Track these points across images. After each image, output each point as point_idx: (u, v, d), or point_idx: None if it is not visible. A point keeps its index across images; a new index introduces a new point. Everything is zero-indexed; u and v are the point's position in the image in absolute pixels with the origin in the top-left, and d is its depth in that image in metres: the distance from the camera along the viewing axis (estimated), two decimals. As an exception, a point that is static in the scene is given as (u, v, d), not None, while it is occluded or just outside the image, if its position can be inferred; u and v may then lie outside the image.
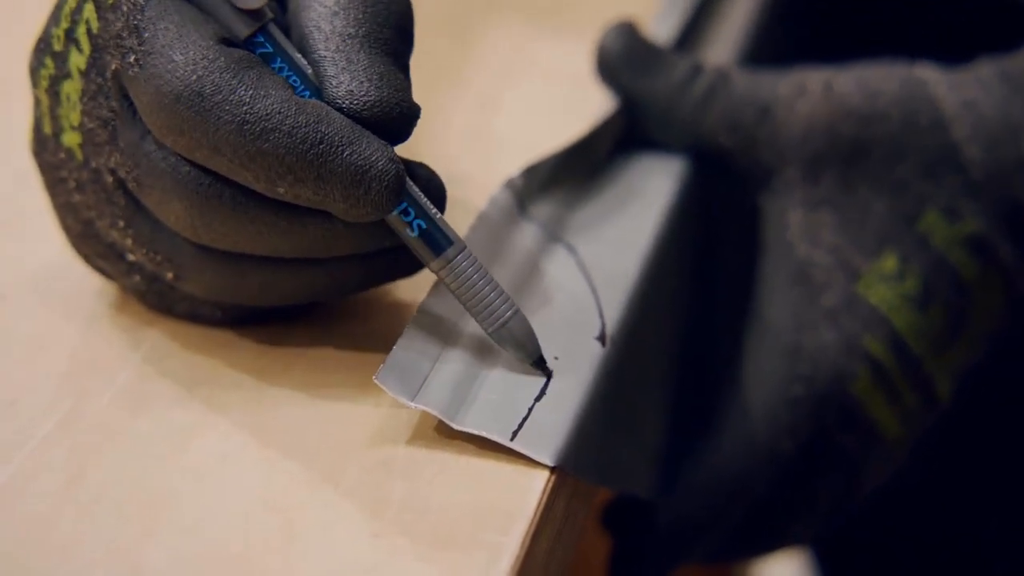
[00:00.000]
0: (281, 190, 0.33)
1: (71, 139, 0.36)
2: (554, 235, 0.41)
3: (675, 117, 0.45)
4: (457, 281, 0.35)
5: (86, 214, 0.37)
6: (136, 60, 0.34)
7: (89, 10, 0.35)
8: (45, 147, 0.37)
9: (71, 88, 0.35)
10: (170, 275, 0.36)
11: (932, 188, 0.43)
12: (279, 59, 0.34)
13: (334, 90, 0.34)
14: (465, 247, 0.35)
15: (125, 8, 0.34)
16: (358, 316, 0.39)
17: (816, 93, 0.44)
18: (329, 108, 0.34)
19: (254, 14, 0.34)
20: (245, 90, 0.33)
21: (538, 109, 0.50)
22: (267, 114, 0.33)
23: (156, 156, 0.34)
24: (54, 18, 0.36)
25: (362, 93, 0.34)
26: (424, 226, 0.35)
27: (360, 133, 0.33)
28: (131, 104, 0.35)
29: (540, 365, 0.36)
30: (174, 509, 0.33)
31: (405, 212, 0.34)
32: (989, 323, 0.44)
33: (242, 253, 0.35)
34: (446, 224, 0.35)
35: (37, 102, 0.37)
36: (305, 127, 0.33)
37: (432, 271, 0.35)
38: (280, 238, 0.34)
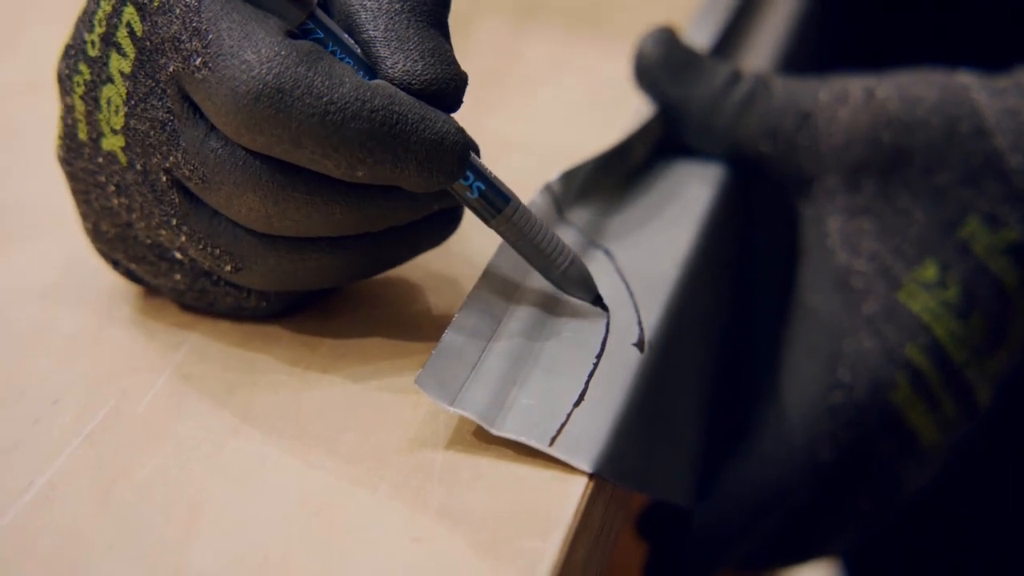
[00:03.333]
0: (360, 173, 0.34)
1: (113, 143, 0.36)
2: (592, 240, 0.41)
3: (714, 124, 0.45)
4: (517, 235, 0.36)
5: (126, 217, 0.37)
6: (204, 62, 0.34)
7: (130, 13, 0.35)
8: (80, 153, 0.37)
9: (112, 92, 0.35)
10: (228, 268, 0.36)
11: (973, 196, 0.43)
12: (331, 44, 0.35)
13: (390, 70, 0.34)
14: (520, 203, 0.36)
15: (178, 10, 0.34)
16: (396, 305, 0.39)
17: (857, 100, 0.44)
18: (394, 87, 0.34)
19: (301, 2, 0.34)
20: (322, 81, 0.33)
21: (577, 114, 0.50)
22: (346, 103, 0.33)
23: (224, 152, 0.34)
24: (86, 23, 0.36)
25: (419, 72, 0.34)
26: (483, 187, 0.36)
27: (427, 108, 0.34)
28: (191, 104, 0.35)
29: (599, 303, 0.38)
30: (215, 511, 0.33)
31: (464, 176, 0.36)
32: (1030, 332, 0.44)
33: (306, 237, 0.35)
34: (500, 183, 0.36)
35: (70, 108, 0.37)
36: (382, 110, 0.33)
37: (492, 228, 0.36)
38: (350, 217, 0.35)
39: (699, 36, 0.50)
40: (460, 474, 0.33)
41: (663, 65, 0.45)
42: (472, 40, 0.53)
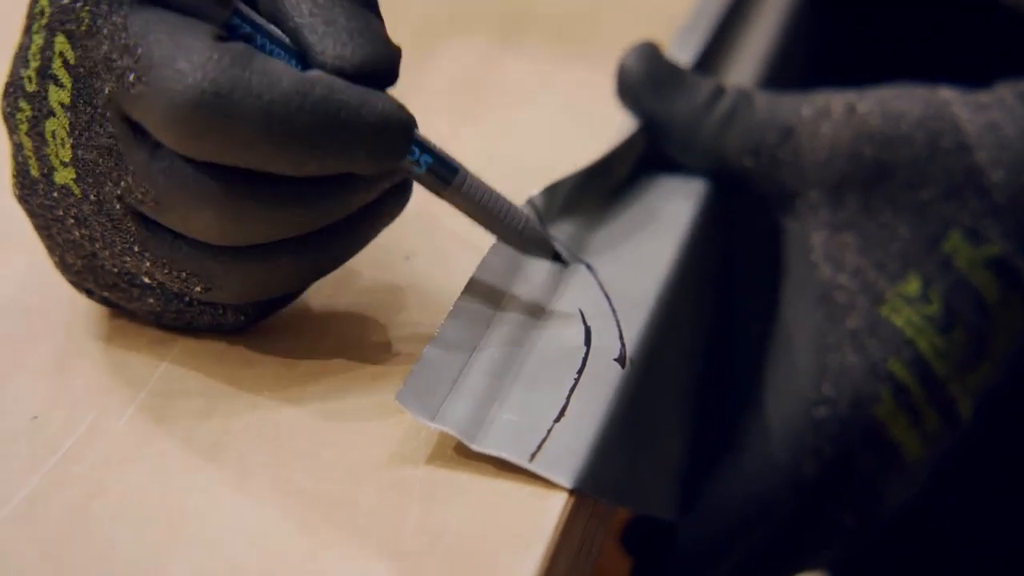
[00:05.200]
0: (311, 167, 0.34)
1: (65, 176, 0.36)
2: (574, 255, 0.41)
3: (696, 139, 0.45)
4: (469, 203, 0.37)
5: (89, 247, 0.37)
6: (137, 77, 0.33)
7: (61, 43, 0.34)
8: (35, 190, 0.36)
9: (55, 125, 0.35)
10: (198, 288, 0.36)
11: (955, 210, 0.43)
12: (259, 36, 0.34)
13: (320, 56, 0.34)
14: (468, 172, 0.37)
15: (106, 31, 0.34)
16: (376, 322, 0.39)
17: (839, 115, 0.44)
18: (329, 76, 0.34)
19: (223, 0, 0.34)
20: (259, 80, 0.33)
21: (560, 129, 0.50)
22: (287, 98, 0.33)
23: (171, 171, 0.34)
24: (20, 60, 0.36)
25: (349, 55, 0.34)
26: (430, 160, 0.36)
27: (365, 91, 0.34)
28: (131, 125, 0.34)
29: (558, 259, 0.39)
30: (193, 527, 0.33)
31: (411, 151, 0.36)
32: (1012, 345, 0.44)
33: (268, 243, 0.35)
34: (446, 153, 0.36)
35: (19, 147, 0.36)
36: (323, 100, 0.33)
37: (445, 199, 0.37)
38: (307, 214, 0.35)
39: (683, 51, 0.51)
40: (440, 490, 0.33)
41: (646, 80, 0.45)
42: (456, 54, 0.53)
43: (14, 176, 0.37)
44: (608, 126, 0.47)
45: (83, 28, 0.34)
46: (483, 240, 0.39)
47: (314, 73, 0.34)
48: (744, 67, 0.53)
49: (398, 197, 0.37)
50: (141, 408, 0.36)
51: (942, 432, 0.44)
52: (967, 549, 0.60)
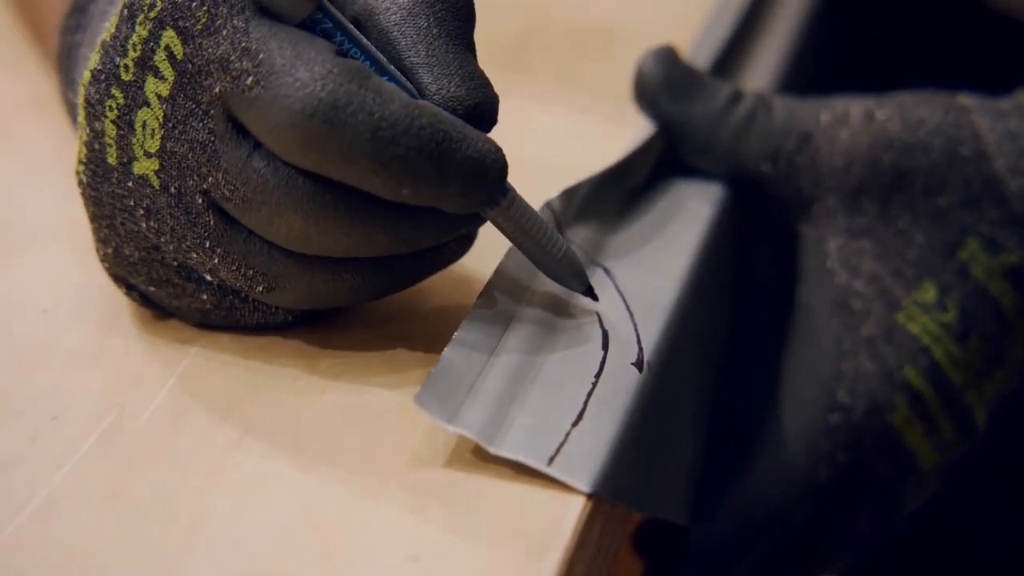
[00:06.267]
0: (405, 192, 0.34)
1: (146, 166, 0.36)
2: (592, 258, 0.41)
3: (714, 143, 0.45)
4: (513, 225, 0.37)
5: (154, 240, 0.37)
6: (256, 81, 0.34)
7: (169, 36, 0.35)
8: (107, 178, 0.37)
9: (148, 115, 0.35)
10: (261, 288, 0.36)
11: (973, 219, 0.43)
12: (368, 61, 0.35)
13: (435, 95, 0.35)
14: (516, 193, 0.37)
15: (226, 32, 0.34)
16: (397, 322, 0.39)
17: (857, 121, 0.44)
18: (436, 107, 0.35)
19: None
20: (372, 99, 0.33)
21: (578, 133, 0.50)
22: (396, 119, 0.33)
23: (266, 173, 0.34)
24: (117, 49, 0.36)
25: (463, 96, 0.35)
26: None
27: (467, 128, 0.35)
28: (235, 125, 0.35)
29: (590, 293, 0.38)
30: (214, 526, 0.33)
31: (496, 201, 0.36)
32: (1028, 354, 0.44)
33: (341, 258, 0.35)
34: None
35: (98, 133, 0.36)
36: (429, 127, 0.34)
37: (489, 219, 0.37)
38: (385, 238, 0.35)
39: (701, 55, 0.51)
40: (459, 492, 0.34)
41: (663, 84, 0.45)
42: (477, 55, 0.53)
43: (83, 163, 0.37)
44: (628, 128, 0.47)
45: (199, 27, 0.34)
46: (502, 242, 0.39)
47: (422, 101, 0.34)
48: (762, 70, 0.53)
49: (462, 240, 0.37)
50: (162, 406, 0.36)
51: (957, 440, 0.44)
52: (976, 552, 0.61)
